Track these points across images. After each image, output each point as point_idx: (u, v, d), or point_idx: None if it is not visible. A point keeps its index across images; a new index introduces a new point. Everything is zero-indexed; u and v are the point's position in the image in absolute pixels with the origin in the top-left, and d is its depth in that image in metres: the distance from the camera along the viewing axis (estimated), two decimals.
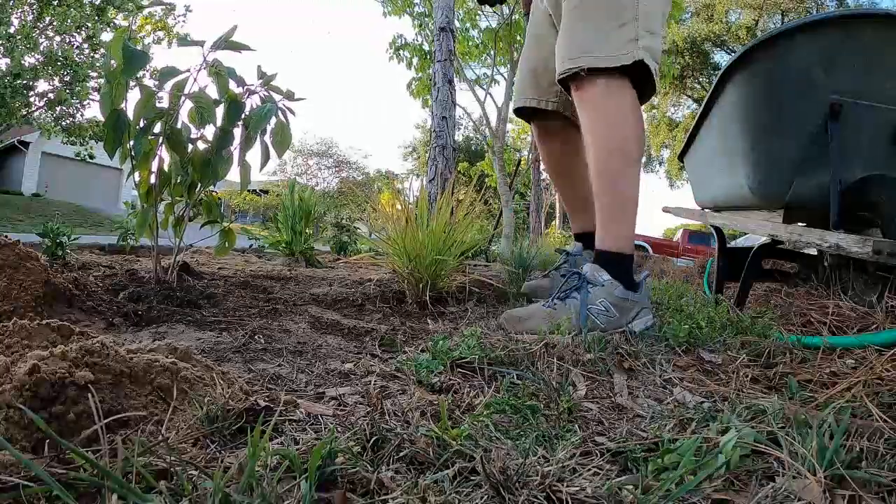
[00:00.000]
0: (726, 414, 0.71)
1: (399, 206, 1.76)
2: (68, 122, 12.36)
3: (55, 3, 10.50)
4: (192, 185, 1.53)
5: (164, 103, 1.42)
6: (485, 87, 9.76)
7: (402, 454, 0.55)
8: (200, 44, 1.39)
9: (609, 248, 1.34)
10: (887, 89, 1.34)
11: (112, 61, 1.30)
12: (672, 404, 0.81)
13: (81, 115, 12.44)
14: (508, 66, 9.13)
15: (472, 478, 0.51)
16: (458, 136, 22.48)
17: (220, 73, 1.42)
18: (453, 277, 1.73)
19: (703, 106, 1.80)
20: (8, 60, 10.24)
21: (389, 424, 0.61)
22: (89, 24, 11.03)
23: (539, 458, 0.55)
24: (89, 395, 0.52)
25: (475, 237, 1.82)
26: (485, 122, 9.67)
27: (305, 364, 0.93)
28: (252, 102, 1.50)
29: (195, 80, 1.41)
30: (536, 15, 1.79)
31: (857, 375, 0.86)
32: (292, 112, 1.54)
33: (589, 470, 0.56)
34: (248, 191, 15.03)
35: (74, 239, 2.19)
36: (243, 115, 1.46)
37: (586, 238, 1.81)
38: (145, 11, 11.77)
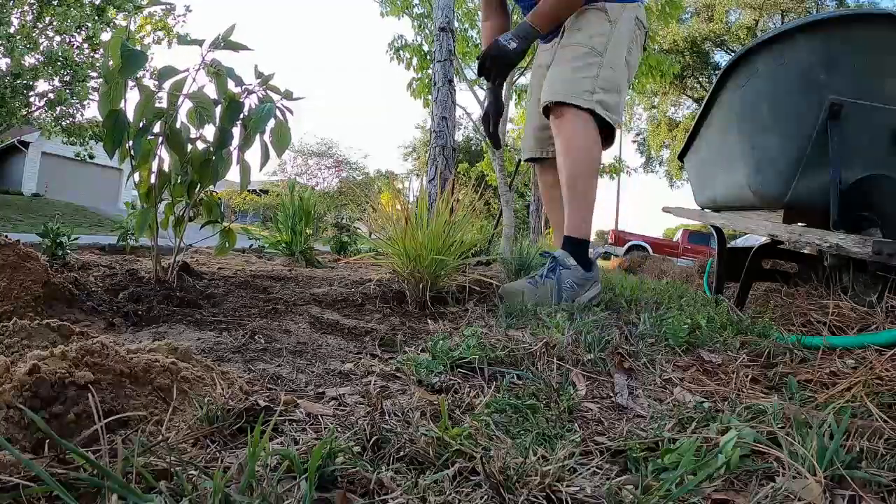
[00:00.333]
0: (726, 414, 0.71)
1: (399, 206, 1.76)
2: (68, 122, 12.33)
3: (55, 3, 10.49)
4: (191, 185, 1.54)
5: (164, 103, 1.42)
6: (485, 87, 9.72)
7: (402, 454, 0.55)
8: (199, 43, 1.40)
9: (571, 233, 1.82)
10: (887, 89, 1.34)
11: (110, 62, 1.30)
12: (672, 404, 0.81)
13: (81, 115, 12.42)
14: None
15: (472, 478, 0.51)
16: (458, 136, 22.46)
17: (218, 73, 1.42)
18: (453, 277, 1.74)
19: (703, 106, 1.81)
20: (8, 60, 10.22)
21: (389, 424, 0.61)
22: (89, 24, 11.02)
23: (539, 457, 0.55)
24: (89, 395, 0.52)
25: (475, 237, 1.83)
26: None
27: (305, 364, 0.93)
28: (251, 102, 1.50)
29: (194, 79, 1.41)
30: (537, 76, 2.20)
31: (857, 375, 0.86)
32: (290, 112, 1.54)
33: (589, 470, 0.56)
34: (248, 191, 15.02)
35: (74, 239, 2.19)
36: (242, 115, 1.46)
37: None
38: (145, 11, 11.76)
